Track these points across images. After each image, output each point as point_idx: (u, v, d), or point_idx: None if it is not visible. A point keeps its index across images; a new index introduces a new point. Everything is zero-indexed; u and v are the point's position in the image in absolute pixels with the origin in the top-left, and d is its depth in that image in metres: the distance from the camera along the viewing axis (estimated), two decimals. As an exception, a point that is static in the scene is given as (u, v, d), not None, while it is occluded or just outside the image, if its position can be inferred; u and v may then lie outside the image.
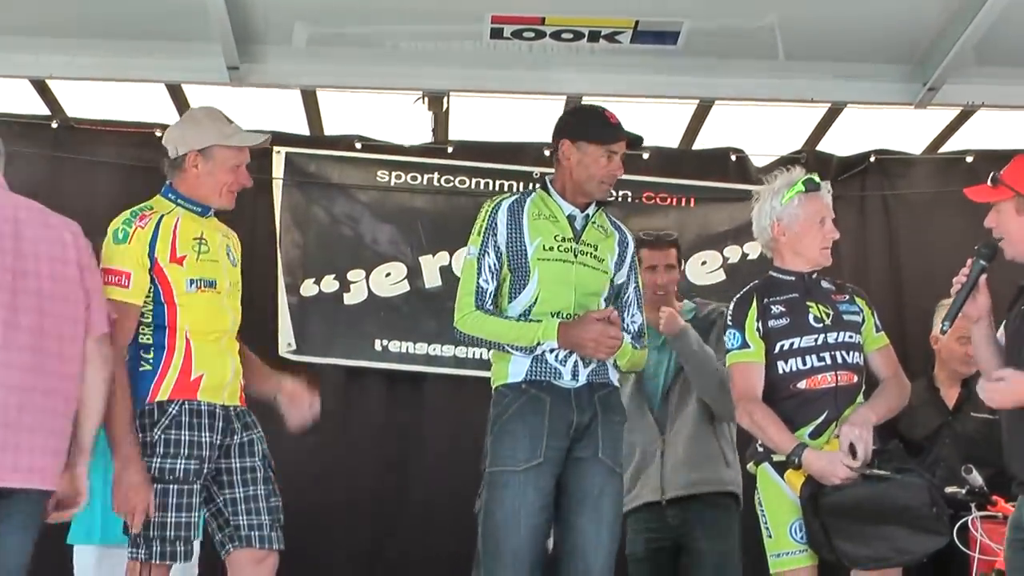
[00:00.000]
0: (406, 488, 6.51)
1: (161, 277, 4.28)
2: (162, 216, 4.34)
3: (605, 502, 4.44)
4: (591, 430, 4.45)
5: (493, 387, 4.54)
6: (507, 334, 4.44)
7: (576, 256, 4.51)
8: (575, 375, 4.46)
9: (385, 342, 6.62)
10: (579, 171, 4.53)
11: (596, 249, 4.56)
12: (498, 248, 4.50)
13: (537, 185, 4.69)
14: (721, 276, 6.73)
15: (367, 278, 6.68)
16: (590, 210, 4.60)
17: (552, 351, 4.43)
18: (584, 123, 4.62)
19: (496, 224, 4.51)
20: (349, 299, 6.66)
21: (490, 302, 4.50)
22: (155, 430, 4.22)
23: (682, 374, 5.50)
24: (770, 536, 4.52)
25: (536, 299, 4.48)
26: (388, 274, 6.68)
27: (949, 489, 5.24)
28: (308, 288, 6.65)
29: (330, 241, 6.73)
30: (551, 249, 4.50)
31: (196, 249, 4.34)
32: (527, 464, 4.37)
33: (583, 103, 4.85)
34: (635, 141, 4.63)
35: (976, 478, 5.02)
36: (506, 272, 4.52)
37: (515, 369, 4.47)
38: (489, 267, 4.49)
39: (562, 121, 4.71)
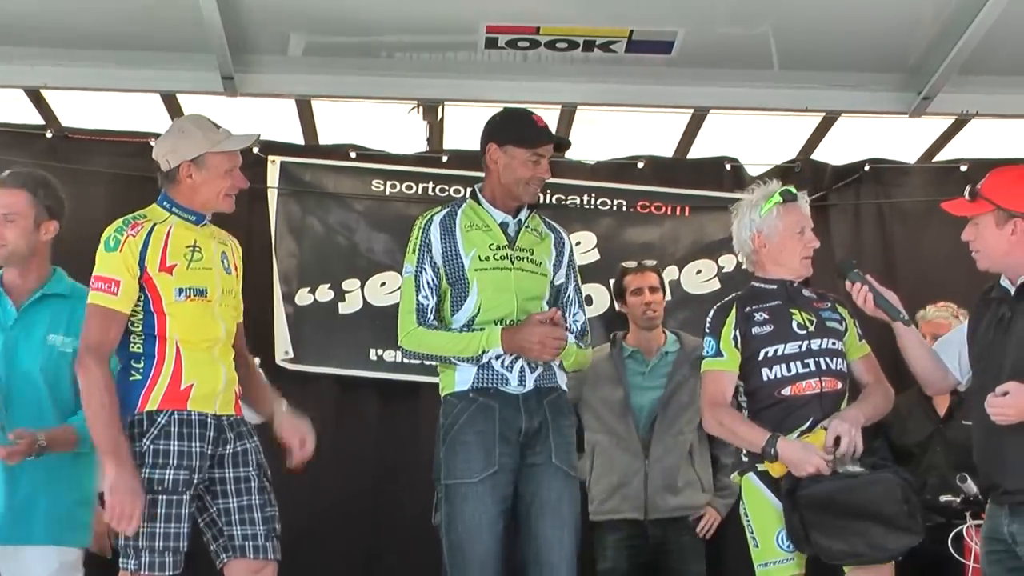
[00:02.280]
0: (401, 497, 6.49)
1: (150, 286, 4.26)
2: (155, 225, 4.32)
3: (564, 507, 4.49)
4: (542, 435, 4.49)
5: (442, 396, 4.58)
6: (451, 346, 4.48)
7: (513, 262, 4.55)
8: (522, 380, 4.50)
9: (380, 351, 6.60)
10: (506, 174, 4.57)
11: (532, 253, 4.60)
12: (434, 263, 4.54)
13: (468, 195, 4.70)
14: (716, 285, 6.71)
15: (362, 287, 6.67)
16: (522, 215, 4.62)
17: (498, 358, 4.46)
18: (510, 127, 4.63)
19: (429, 240, 4.55)
20: (344, 308, 6.66)
21: (432, 317, 4.54)
22: (144, 440, 4.20)
23: (671, 404, 5.74)
24: (756, 546, 4.52)
25: (479, 309, 4.52)
26: (383, 283, 6.66)
27: (944, 498, 5.26)
28: (303, 297, 6.64)
29: (325, 250, 6.72)
30: (487, 259, 4.54)
31: (188, 257, 4.32)
32: (483, 474, 4.41)
33: (511, 107, 4.85)
34: (561, 144, 4.65)
35: (971, 487, 5.03)
36: (445, 286, 4.56)
37: (462, 377, 4.51)
38: (427, 283, 4.54)
39: (489, 125, 4.69)
